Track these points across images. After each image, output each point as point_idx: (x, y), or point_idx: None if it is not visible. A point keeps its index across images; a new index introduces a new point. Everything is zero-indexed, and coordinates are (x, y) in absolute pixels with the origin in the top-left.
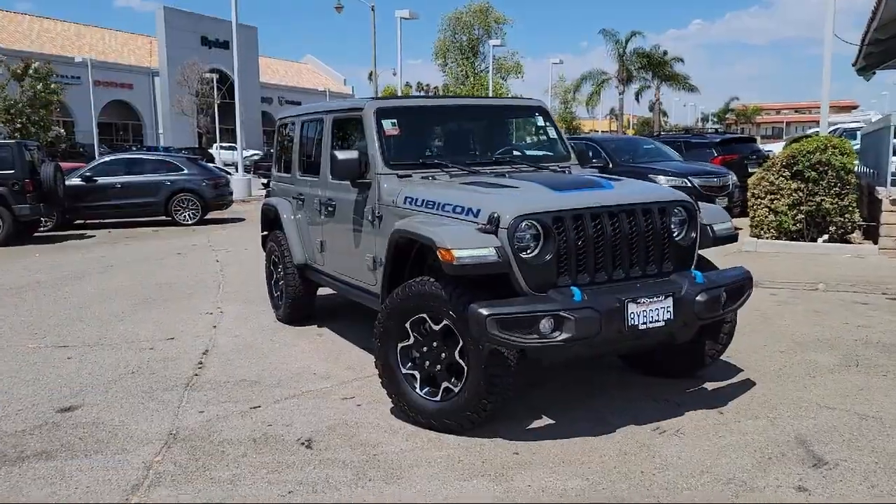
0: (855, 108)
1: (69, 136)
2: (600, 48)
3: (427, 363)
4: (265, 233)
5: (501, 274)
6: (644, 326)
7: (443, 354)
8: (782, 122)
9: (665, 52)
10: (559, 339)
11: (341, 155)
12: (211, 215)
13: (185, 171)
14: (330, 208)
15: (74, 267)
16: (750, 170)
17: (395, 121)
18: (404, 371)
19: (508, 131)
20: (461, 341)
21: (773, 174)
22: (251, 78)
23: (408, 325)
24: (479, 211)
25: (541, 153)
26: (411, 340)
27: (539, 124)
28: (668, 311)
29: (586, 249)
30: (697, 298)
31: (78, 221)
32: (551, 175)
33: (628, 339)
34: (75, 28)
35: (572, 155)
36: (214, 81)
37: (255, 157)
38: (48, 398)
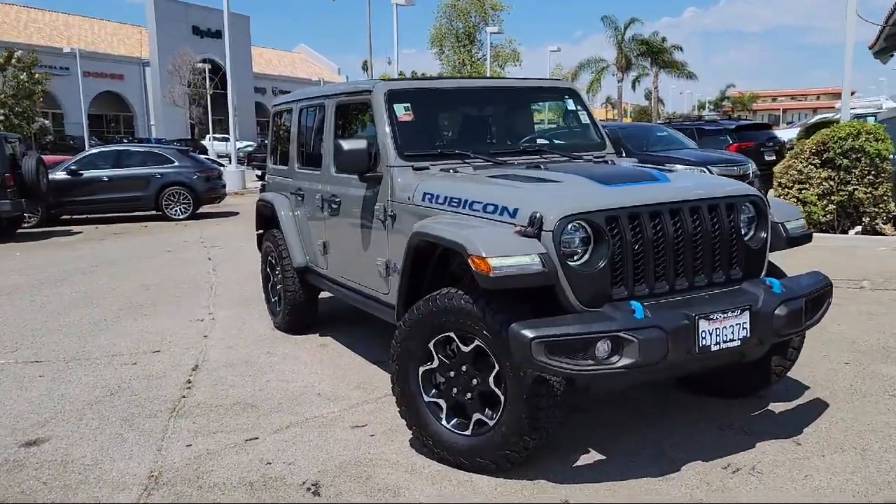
0: (851, 94)
1: (58, 129)
2: (594, 37)
3: (455, 390)
4: (261, 231)
5: (544, 285)
6: (717, 347)
7: (474, 380)
8: (778, 108)
9: (664, 39)
10: (619, 365)
11: (347, 145)
12: (203, 209)
13: (176, 164)
14: (334, 205)
15: (57, 267)
16: (766, 157)
17: (408, 105)
18: (427, 399)
19: (534, 117)
20: (497, 366)
21: (801, 162)
22: (244, 68)
23: (431, 345)
24: (516, 210)
25: (572, 141)
26: (435, 363)
27: (570, 108)
28: (743, 329)
29: (645, 254)
30: (777, 312)
31: (64, 217)
32: (595, 166)
33: (697, 361)
34: (63, 18)
35: (608, 143)
36: (206, 72)
37: (249, 149)
38: (11, 428)
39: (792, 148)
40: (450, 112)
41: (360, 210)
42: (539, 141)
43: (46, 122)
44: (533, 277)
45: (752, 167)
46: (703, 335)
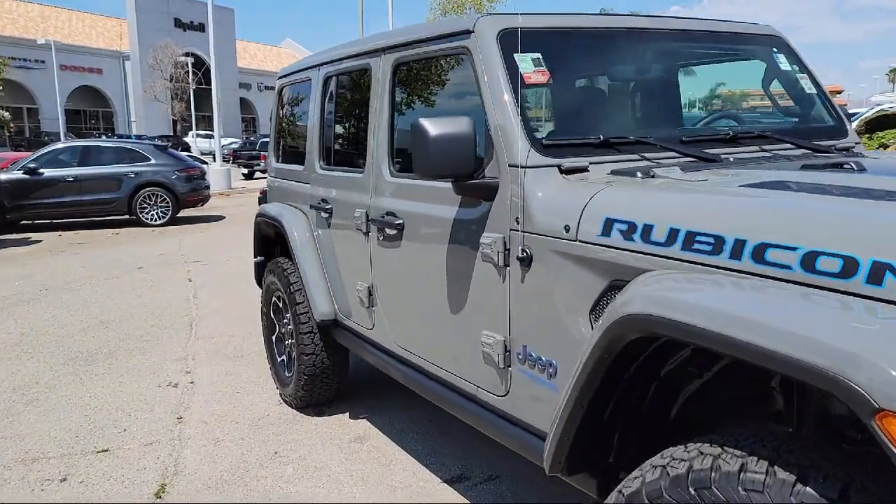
0: (839, 92)
1: (34, 124)
2: None
3: None
4: (261, 259)
5: None
6: None
7: None
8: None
9: None
10: None
11: (436, 128)
12: (184, 212)
13: (153, 161)
14: (391, 230)
15: None
16: None
17: (538, 56)
18: None
19: (720, 81)
20: None
21: None
22: (228, 62)
23: None
24: None
25: (791, 121)
26: None
27: (781, 67)
28: None
29: None
30: None
31: (25, 222)
32: None
33: None
34: (39, 9)
35: (847, 124)
36: (189, 66)
37: (234, 146)
38: None
39: None
40: (608, 70)
41: (449, 242)
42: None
43: (6, 114)
44: None
45: None
46: None
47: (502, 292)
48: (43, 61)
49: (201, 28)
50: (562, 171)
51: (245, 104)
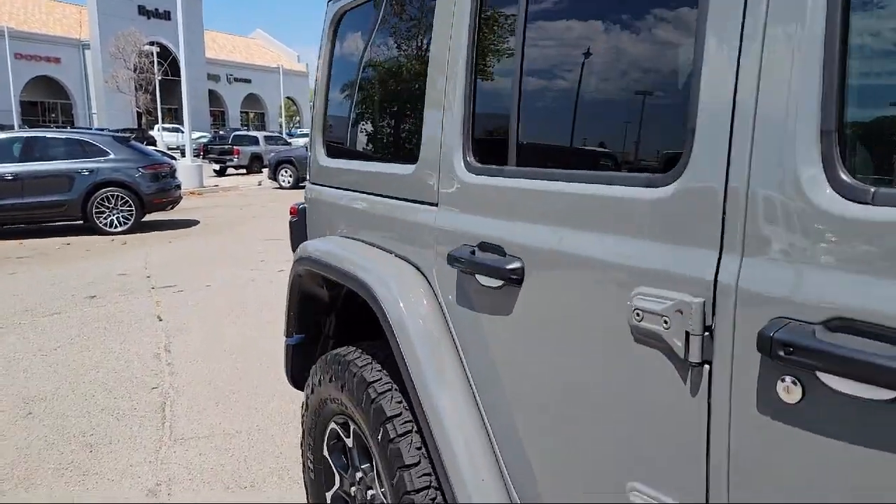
0: None
1: None
2: None
3: None
4: (299, 339)
5: None
6: None
7: None
8: None
9: None
10: None
11: None
12: (151, 216)
13: (112, 156)
14: (850, 373)
15: None
16: None
17: None
18: None
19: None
20: None
21: None
22: (196, 53)
23: None
24: None
25: None
26: None
27: None
28: None
29: None
30: None
31: None
32: None
33: None
34: None
35: None
36: (154, 55)
37: (203, 140)
38: None
39: None
40: None
41: None
42: None
43: None
44: None
45: None
46: None
47: None
48: None
49: (167, 16)
50: None
51: (213, 96)
